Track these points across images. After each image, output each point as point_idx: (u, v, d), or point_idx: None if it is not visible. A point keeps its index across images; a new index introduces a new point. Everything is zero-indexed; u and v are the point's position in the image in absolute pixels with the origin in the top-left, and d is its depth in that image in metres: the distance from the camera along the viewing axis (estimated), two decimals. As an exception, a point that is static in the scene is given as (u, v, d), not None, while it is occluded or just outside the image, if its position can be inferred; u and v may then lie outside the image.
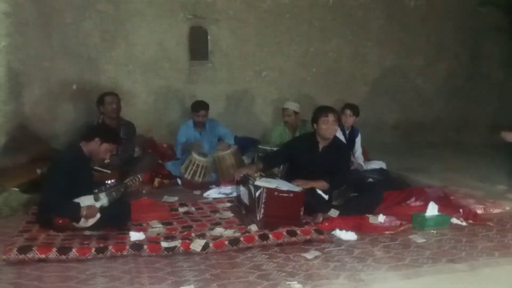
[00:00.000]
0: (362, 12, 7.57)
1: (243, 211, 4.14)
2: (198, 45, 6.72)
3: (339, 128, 5.33)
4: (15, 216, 4.13)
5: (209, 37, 6.75)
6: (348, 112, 5.46)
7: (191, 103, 5.90)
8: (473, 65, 8.40)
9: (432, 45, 8.10)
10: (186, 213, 4.34)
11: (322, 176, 4.24)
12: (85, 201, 3.60)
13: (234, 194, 4.74)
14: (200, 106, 5.65)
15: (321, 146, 4.38)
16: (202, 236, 3.61)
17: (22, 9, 5.71)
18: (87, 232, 3.62)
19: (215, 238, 3.55)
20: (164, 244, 3.40)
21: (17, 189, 4.56)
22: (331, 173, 4.25)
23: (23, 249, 3.20)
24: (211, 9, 6.70)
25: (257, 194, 3.73)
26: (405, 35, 7.90)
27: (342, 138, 5.23)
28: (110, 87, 5.91)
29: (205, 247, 3.38)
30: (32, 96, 5.86)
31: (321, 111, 4.30)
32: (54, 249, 3.23)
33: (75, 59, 6.08)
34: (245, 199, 4.10)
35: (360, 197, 4.45)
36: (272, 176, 4.37)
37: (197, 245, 3.39)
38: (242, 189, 4.22)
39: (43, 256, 3.18)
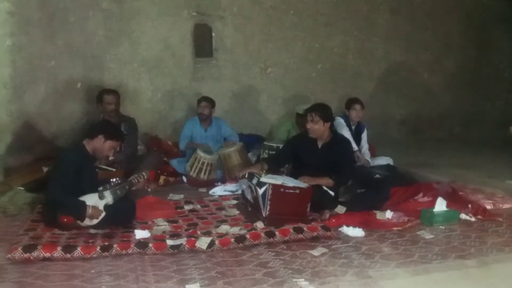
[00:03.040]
0: (367, 7, 7.50)
1: (249, 208, 4.11)
2: (202, 42, 6.68)
3: (345, 124, 5.32)
4: (20, 215, 4.12)
5: (213, 34, 6.71)
6: (358, 107, 5.40)
7: (196, 100, 5.89)
8: (481, 59, 8.31)
9: (439, 39, 8.01)
10: (191, 210, 4.32)
11: (326, 173, 4.20)
12: (90, 199, 3.59)
13: (240, 192, 4.71)
14: (202, 98, 5.76)
15: (320, 144, 4.35)
16: (207, 233, 3.59)
17: (26, 8, 5.70)
18: (92, 231, 3.61)
19: (220, 235, 3.52)
20: (169, 242, 3.38)
21: (22, 188, 4.57)
22: (335, 170, 4.22)
23: (28, 248, 3.19)
24: (215, 6, 6.66)
25: (260, 191, 3.69)
26: (412, 29, 7.82)
27: (348, 134, 5.19)
28: (115, 85, 5.89)
29: (211, 244, 3.35)
30: (37, 95, 5.86)
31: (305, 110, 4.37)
32: (59, 248, 3.22)
33: (79, 58, 6.06)
34: (249, 196, 4.07)
35: (367, 193, 4.43)
36: (278, 172, 4.34)
37: (202, 242, 3.36)
38: (244, 186, 4.20)
39: (48, 254, 3.17)
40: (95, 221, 3.59)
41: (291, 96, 7.04)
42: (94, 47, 6.14)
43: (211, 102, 5.72)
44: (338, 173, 4.23)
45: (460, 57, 8.22)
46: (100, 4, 6.11)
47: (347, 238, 3.60)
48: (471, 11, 8.10)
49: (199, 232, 3.62)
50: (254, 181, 3.93)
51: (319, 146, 4.35)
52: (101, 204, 3.62)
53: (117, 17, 6.21)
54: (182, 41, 6.56)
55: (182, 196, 4.80)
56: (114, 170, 4.70)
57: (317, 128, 4.24)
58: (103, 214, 3.60)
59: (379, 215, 3.99)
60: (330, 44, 7.37)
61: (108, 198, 3.68)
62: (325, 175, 4.19)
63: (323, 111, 4.27)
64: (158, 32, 6.44)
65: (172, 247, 3.33)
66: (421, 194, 4.47)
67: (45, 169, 4.83)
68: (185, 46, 6.58)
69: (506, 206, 4.39)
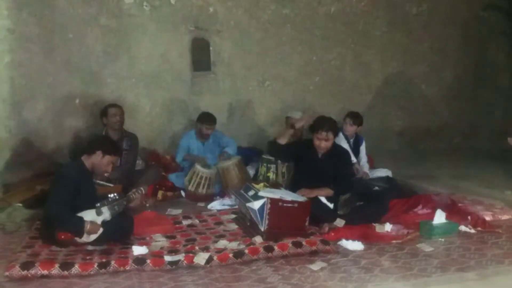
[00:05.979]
0: (364, 20, 7.54)
1: (247, 222, 4.09)
2: (200, 56, 6.70)
3: (343, 137, 5.34)
4: (18, 232, 4.11)
5: (211, 48, 6.74)
6: (348, 121, 5.44)
7: (194, 114, 5.92)
8: (478, 70, 8.33)
9: (436, 51, 8.04)
10: (190, 225, 4.30)
11: (325, 182, 4.23)
12: (88, 215, 3.57)
13: (237, 206, 4.70)
14: (209, 119, 5.63)
15: (320, 153, 4.39)
16: (206, 249, 3.57)
17: (25, 25, 5.74)
18: (90, 247, 3.59)
19: (219, 251, 3.51)
20: (167, 258, 3.37)
21: (21, 205, 4.56)
22: (334, 179, 4.26)
23: (25, 265, 3.19)
24: (213, 21, 6.71)
25: (258, 205, 3.68)
26: (408, 41, 7.85)
27: (346, 146, 5.21)
28: (113, 100, 5.89)
29: (209, 260, 3.34)
30: (35, 111, 5.87)
31: (316, 126, 4.30)
32: (57, 265, 3.21)
33: (78, 74, 6.08)
34: (244, 211, 4.06)
35: (366, 206, 4.43)
36: (276, 186, 4.34)
37: (200, 258, 3.35)
38: (238, 201, 4.20)
39: (45, 272, 3.16)
40: (93, 237, 3.57)
41: (289, 109, 7.04)
42: (93, 63, 6.16)
43: (216, 123, 5.68)
44: (337, 183, 4.28)
45: (457, 69, 8.23)
46: (98, 20, 6.15)
47: (346, 252, 3.58)
48: (467, 24, 8.14)
49: (197, 248, 3.60)
50: (251, 193, 3.92)
51: (319, 156, 4.38)
52: (99, 220, 3.61)
53: (115, 33, 6.24)
54: (180, 55, 6.59)
55: (180, 211, 4.79)
56: (112, 185, 4.69)
57: (330, 144, 4.32)
58: (101, 229, 3.58)
59: (378, 228, 3.98)
60: (327, 57, 7.40)
61: (106, 214, 3.67)
62: (324, 185, 4.23)
63: (335, 128, 4.35)
64: (156, 47, 6.47)
65: (170, 263, 3.32)
66: (420, 206, 4.45)
67: (39, 187, 4.83)
68: (183, 60, 6.61)
69: (505, 217, 4.37)
